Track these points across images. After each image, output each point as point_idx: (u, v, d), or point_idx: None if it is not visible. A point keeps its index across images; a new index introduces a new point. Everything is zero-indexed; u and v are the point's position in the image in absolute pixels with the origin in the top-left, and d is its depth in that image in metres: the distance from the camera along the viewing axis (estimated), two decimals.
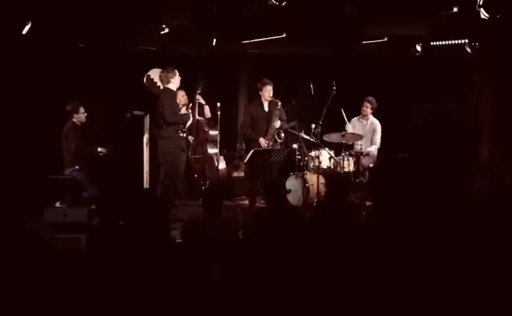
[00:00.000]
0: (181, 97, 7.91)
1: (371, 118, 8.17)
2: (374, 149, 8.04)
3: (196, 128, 7.98)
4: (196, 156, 8.05)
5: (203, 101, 7.85)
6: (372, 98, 8.16)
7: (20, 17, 7.10)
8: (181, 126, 7.38)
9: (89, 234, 5.08)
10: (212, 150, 7.96)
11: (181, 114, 7.38)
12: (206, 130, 7.95)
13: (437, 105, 8.80)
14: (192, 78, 7.78)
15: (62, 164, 7.18)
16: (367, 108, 8.13)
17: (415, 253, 3.43)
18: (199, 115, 7.93)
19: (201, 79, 7.79)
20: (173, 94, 7.22)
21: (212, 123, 7.95)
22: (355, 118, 8.24)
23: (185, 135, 7.47)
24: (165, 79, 7.23)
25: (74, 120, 7.24)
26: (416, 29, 8.11)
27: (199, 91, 7.79)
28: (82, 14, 7.19)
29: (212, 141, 7.91)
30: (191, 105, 7.79)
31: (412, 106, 9.15)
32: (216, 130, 7.79)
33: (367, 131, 8.09)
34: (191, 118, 7.56)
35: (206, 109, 7.88)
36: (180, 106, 7.61)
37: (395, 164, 7.80)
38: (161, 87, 7.68)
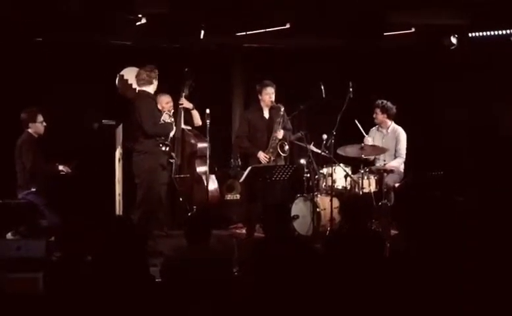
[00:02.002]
0: (166, 104, 7.89)
1: (392, 125, 8.14)
2: (398, 164, 8.01)
3: (181, 140, 7.90)
4: (181, 175, 7.97)
5: (189, 105, 7.78)
6: (382, 101, 8.09)
7: None
8: (163, 138, 7.18)
9: (47, 272, 5.05)
10: (201, 168, 7.87)
11: (163, 124, 7.21)
12: (194, 142, 7.85)
13: (477, 110, 8.84)
14: (176, 79, 7.80)
15: (15, 185, 7.17)
16: (378, 115, 8.10)
17: (450, 296, 3.44)
18: (185, 123, 7.90)
19: (187, 78, 7.72)
20: (152, 99, 7.13)
21: (200, 134, 7.85)
22: (373, 128, 8.22)
23: (167, 149, 7.28)
24: (147, 80, 7.12)
25: (29, 130, 7.24)
26: (451, 18, 8.16)
27: (184, 93, 7.74)
28: (39, 2, 7.23)
29: (201, 157, 7.82)
30: (172, 111, 7.73)
31: (446, 112, 9.19)
32: (206, 142, 7.74)
33: (389, 141, 8.06)
34: (175, 128, 7.43)
35: (195, 115, 7.81)
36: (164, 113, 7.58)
37: (427, 184, 7.80)
38: (137, 90, 7.68)
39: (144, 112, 6.99)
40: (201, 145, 7.83)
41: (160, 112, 7.26)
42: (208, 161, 7.70)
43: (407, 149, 8.08)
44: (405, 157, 8.04)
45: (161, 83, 7.31)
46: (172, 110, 7.76)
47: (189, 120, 7.86)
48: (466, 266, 3.64)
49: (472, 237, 3.99)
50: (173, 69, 7.80)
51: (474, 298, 3.51)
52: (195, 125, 7.85)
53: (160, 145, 7.13)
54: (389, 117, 8.08)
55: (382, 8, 7.86)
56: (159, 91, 7.48)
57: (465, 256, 3.73)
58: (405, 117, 8.29)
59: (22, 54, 8.15)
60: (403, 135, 8.07)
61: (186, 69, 7.73)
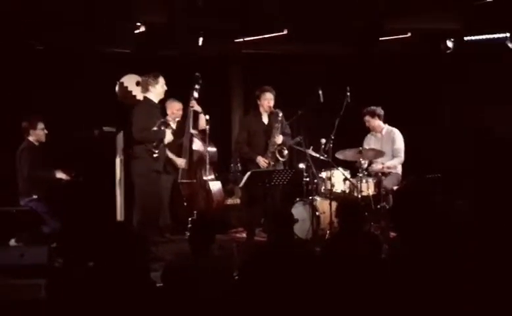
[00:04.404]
0: (176, 111, 7.94)
1: (386, 127, 8.11)
2: (397, 163, 7.98)
3: (189, 145, 7.93)
4: (187, 180, 7.99)
5: (198, 108, 7.83)
6: (368, 108, 8.11)
7: None
8: (154, 144, 6.88)
9: (50, 278, 5.06)
10: (207, 173, 7.87)
11: (151, 131, 6.90)
12: (202, 147, 7.86)
13: (472, 113, 8.85)
14: (175, 85, 7.81)
15: (17, 193, 7.17)
16: (369, 121, 8.10)
17: (450, 299, 3.43)
18: (194, 127, 7.91)
19: (197, 82, 7.75)
20: (150, 105, 7.06)
21: (208, 139, 7.85)
22: (368, 135, 8.23)
23: (155, 155, 6.89)
24: (144, 86, 7.13)
25: (30, 138, 7.24)
26: (447, 22, 8.17)
27: (194, 96, 7.77)
28: (40, 10, 7.24)
29: (209, 162, 7.85)
30: (175, 118, 7.73)
31: (443, 115, 9.20)
32: (214, 147, 7.83)
33: (385, 144, 8.04)
34: (168, 136, 7.09)
35: (202, 119, 7.84)
36: (171, 120, 7.59)
37: (425, 187, 7.79)
38: (137, 97, 7.69)
39: (135, 117, 6.96)
40: (209, 150, 7.85)
41: (164, 119, 7.22)
42: (207, 166, 7.74)
43: (406, 151, 8.06)
44: (403, 157, 7.99)
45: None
46: (178, 119, 7.81)
47: (195, 123, 7.88)
48: (466, 266, 3.64)
49: (472, 238, 3.99)
50: (172, 76, 7.80)
51: (474, 298, 3.51)
52: (200, 128, 7.89)
53: (150, 151, 6.88)
54: (380, 119, 8.08)
55: (378, 13, 7.87)
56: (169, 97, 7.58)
57: (465, 256, 3.73)
58: (402, 120, 8.30)
59: (22, 62, 8.16)
60: (398, 135, 8.04)
61: (196, 73, 7.75)
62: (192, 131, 7.89)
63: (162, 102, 7.28)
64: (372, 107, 8.09)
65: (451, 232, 3.75)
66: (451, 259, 3.55)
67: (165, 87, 7.08)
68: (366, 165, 7.80)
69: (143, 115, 6.96)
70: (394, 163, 7.94)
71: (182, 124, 7.98)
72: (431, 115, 9.28)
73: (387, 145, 8.00)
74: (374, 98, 8.28)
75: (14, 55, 8.10)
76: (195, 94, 7.76)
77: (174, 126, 7.91)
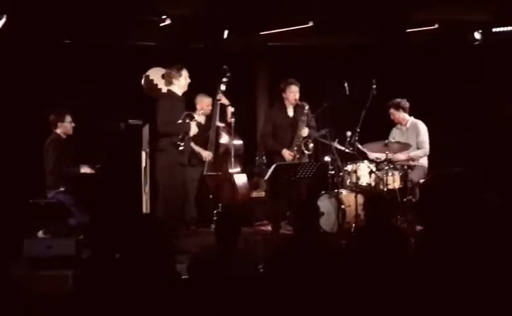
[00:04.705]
0: (206, 106, 7.98)
1: (411, 120, 8.05)
2: (422, 154, 7.90)
3: (215, 138, 7.98)
4: (213, 173, 8.02)
5: (226, 101, 7.85)
6: (392, 101, 8.04)
7: None
8: (179, 137, 6.88)
9: (77, 269, 5.11)
10: (233, 166, 7.90)
11: (176, 124, 6.92)
12: (228, 140, 7.89)
13: (501, 107, 8.73)
14: (200, 78, 7.83)
15: (44, 185, 7.25)
16: (393, 114, 8.03)
17: (478, 295, 3.38)
18: (220, 120, 7.93)
19: (224, 75, 7.75)
20: (175, 98, 7.06)
21: (234, 132, 7.90)
22: (393, 128, 8.18)
23: (181, 148, 6.91)
24: (167, 80, 7.13)
25: (58, 131, 7.30)
26: (475, 13, 8.07)
27: (222, 89, 7.78)
28: (66, 4, 7.29)
29: (235, 155, 7.87)
30: (205, 114, 7.79)
31: (471, 109, 9.09)
32: (240, 140, 7.86)
33: (410, 137, 7.98)
34: (194, 128, 7.11)
35: (229, 112, 7.88)
36: (199, 114, 7.62)
37: (453, 179, 7.71)
38: (163, 90, 7.71)
39: (159, 110, 6.97)
40: (235, 143, 7.87)
41: (189, 112, 7.21)
42: (232, 159, 7.75)
43: (432, 144, 7.99)
44: (428, 149, 7.90)
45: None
46: (207, 114, 7.86)
47: (222, 116, 7.91)
48: (497, 263, 3.54)
49: (505, 232, 3.90)
50: (197, 69, 7.82)
51: (508, 298, 3.42)
52: (228, 121, 7.90)
53: (178, 143, 6.89)
54: (405, 111, 8.01)
55: (405, 4, 7.79)
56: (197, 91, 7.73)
57: (497, 252, 3.65)
58: (428, 113, 8.22)
59: (49, 56, 8.24)
60: (422, 127, 7.96)
61: (224, 66, 7.75)
62: (218, 124, 7.91)
63: (186, 94, 7.28)
64: (397, 100, 8.02)
65: (482, 226, 3.68)
66: (482, 254, 3.49)
67: (188, 80, 7.08)
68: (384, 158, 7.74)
69: (167, 108, 6.97)
70: (418, 154, 7.88)
71: (210, 117, 8.02)
72: (457, 108, 9.17)
73: (412, 137, 7.94)
74: (400, 90, 8.21)
75: (42, 49, 8.18)
76: (223, 87, 7.77)
77: (202, 120, 7.88)
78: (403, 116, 8.02)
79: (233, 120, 7.73)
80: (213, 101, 7.94)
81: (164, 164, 6.98)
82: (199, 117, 7.49)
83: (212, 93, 7.94)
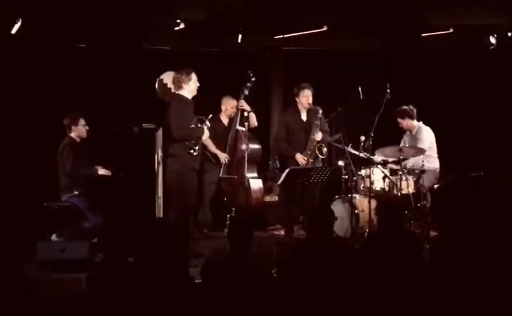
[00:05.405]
0: (231, 108, 8.10)
1: (418, 126, 8.04)
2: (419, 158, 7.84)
3: (234, 141, 8.03)
4: (228, 176, 8.05)
5: (247, 108, 7.91)
6: (397, 109, 8.01)
7: (8, 14, 7.27)
8: (193, 142, 6.96)
9: (91, 273, 5.13)
10: (249, 170, 7.87)
11: (190, 128, 7.02)
12: (246, 144, 7.79)
13: None
14: (214, 82, 7.85)
15: (58, 189, 7.28)
16: (401, 122, 8.01)
17: (493, 301, 3.36)
18: (240, 124, 7.96)
19: (249, 80, 7.84)
20: (185, 103, 7.06)
21: (253, 137, 7.96)
22: (404, 134, 8.16)
23: (195, 153, 7.00)
24: (177, 84, 7.15)
25: (72, 134, 7.32)
26: (490, 17, 8.03)
27: (245, 94, 7.89)
28: (81, 9, 7.33)
29: (251, 160, 7.87)
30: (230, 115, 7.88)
31: (486, 112, 9.04)
32: (258, 145, 7.92)
33: (415, 142, 7.96)
34: (206, 132, 7.16)
35: (253, 117, 7.93)
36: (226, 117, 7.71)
37: (467, 185, 7.67)
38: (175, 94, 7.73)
39: (173, 115, 6.97)
40: (252, 147, 7.89)
41: (201, 118, 7.24)
42: (246, 163, 7.75)
43: (444, 149, 7.94)
44: (427, 149, 7.75)
45: (199, 86, 7.33)
46: (231, 116, 8.07)
47: (242, 121, 7.90)
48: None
49: None
50: (211, 73, 7.85)
51: None
52: (251, 126, 7.91)
53: (189, 149, 6.96)
54: (411, 118, 7.98)
55: (420, 9, 7.77)
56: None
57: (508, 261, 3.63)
58: (443, 118, 8.19)
59: (65, 59, 8.29)
60: (423, 129, 7.96)
61: (249, 72, 7.84)
62: (238, 128, 7.96)
63: (194, 98, 7.29)
64: (401, 107, 8.01)
65: (501, 231, 3.66)
66: (497, 258, 3.46)
67: (197, 84, 7.09)
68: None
69: (179, 113, 6.98)
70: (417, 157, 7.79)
71: (233, 120, 8.12)
72: (472, 113, 9.12)
73: (420, 142, 7.92)
74: (415, 95, 8.18)
75: (56, 53, 8.23)
76: (246, 92, 7.88)
77: (226, 122, 8.20)
78: (411, 123, 8.01)
79: (246, 124, 7.74)
80: (237, 104, 8.00)
81: (177, 170, 7.00)
82: (224, 119, 7.58)
83: (234, 96, 8.09)
